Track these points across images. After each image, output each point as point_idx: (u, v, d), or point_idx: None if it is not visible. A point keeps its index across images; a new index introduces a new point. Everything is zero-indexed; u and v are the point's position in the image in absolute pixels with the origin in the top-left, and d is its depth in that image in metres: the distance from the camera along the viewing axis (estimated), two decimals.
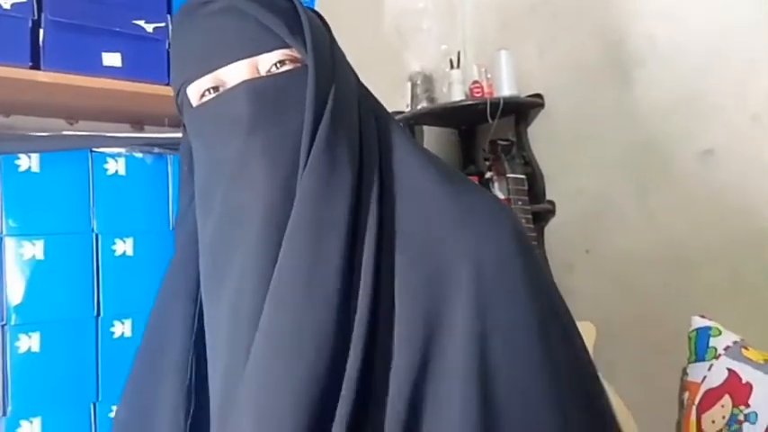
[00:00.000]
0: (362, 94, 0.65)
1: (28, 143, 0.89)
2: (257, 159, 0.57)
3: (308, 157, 0.56)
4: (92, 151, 0.92)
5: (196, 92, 0.61)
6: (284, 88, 0.58)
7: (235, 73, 0.59)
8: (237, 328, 0.55)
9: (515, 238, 0.58)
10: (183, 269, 0.66)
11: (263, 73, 0.59)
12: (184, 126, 0.67)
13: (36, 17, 0.93)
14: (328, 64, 0.60)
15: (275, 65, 0.59)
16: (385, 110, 0.67)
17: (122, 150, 0.95)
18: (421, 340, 0.53)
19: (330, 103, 0.58)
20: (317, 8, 1.23)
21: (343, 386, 0.51)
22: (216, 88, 0.60)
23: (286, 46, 0.59)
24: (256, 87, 0.58)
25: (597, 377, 0.63)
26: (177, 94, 0.64)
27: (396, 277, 0.56)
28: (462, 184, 0.62)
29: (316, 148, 0.56)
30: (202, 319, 0.63)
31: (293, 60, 0.60)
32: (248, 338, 0.54)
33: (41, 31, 0.94)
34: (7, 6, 0.90)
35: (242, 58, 0.58)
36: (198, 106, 0.62)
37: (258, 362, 0.53)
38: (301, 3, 0.63)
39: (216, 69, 0.59)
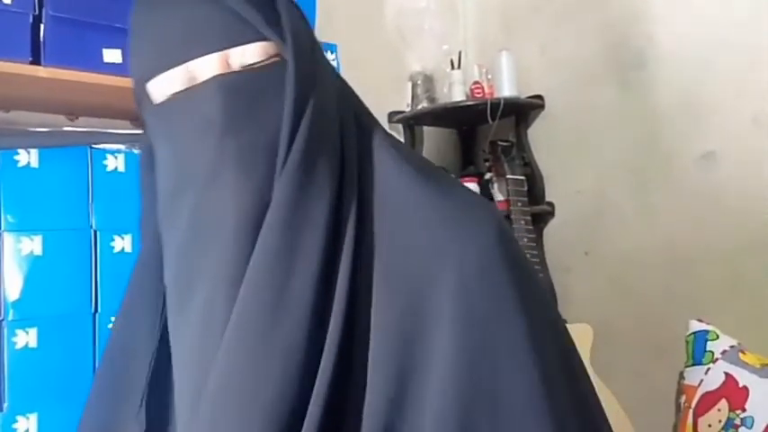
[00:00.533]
0: (340, 88, 0.60)
1: (27, 139, 0.89)
2: (232, 164, 0.52)
3: (285, 161, 0.51)
4: (91, 147, 0.92)
5: (160, 87, 0.55)
6: (260, 85, 0.53)
7: (204, 67, 0.52)
8: (207, 343, 0.51)
9: (499, 241, 0.54)
10: (148, 278, 0.61)
11: (235, 68, 0.53)
12: (144, 119, 0.61)
13: (37, 13, 0.93)
14: (309, 60, 0.55)
15: (249, 59, 0.53)
16: (361, 103, 0.62)
17: (122, 147, 0.95)
18: (396, 363, 0.50)
19: (311, 104, 0.53)
20: (318, 8, 1.24)
21: (306, 420, 0.47)
22: (183, 84, 0.54)
23: (262, 38, 0.53)
24: (230, 84, 0.52)
25: (590, 382, 0.61)
26: (136, 89, 0.58)
27: (374, 290, 0.52)
28: (446, 189, 0.57)
29: (295, 150, 0.51)
30: (166, 337, 0.58)
31: (270, 54, 0.54)
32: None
33: (42, 27, 0.94)
34: (8, 2, 0.90)
35: (213, 51, 0.52)
36: (163, 103, 0.55)
37: (216, 390, 0.49)
38: None
39: (183, 63, 0.53)
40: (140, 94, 0.58)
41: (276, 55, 0.54)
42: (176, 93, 0.54)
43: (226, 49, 0.52)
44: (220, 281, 0.52)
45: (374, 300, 0.52)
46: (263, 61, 0.54)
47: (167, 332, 0.58)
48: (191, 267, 0.54)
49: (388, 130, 1.92)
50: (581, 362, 0.60)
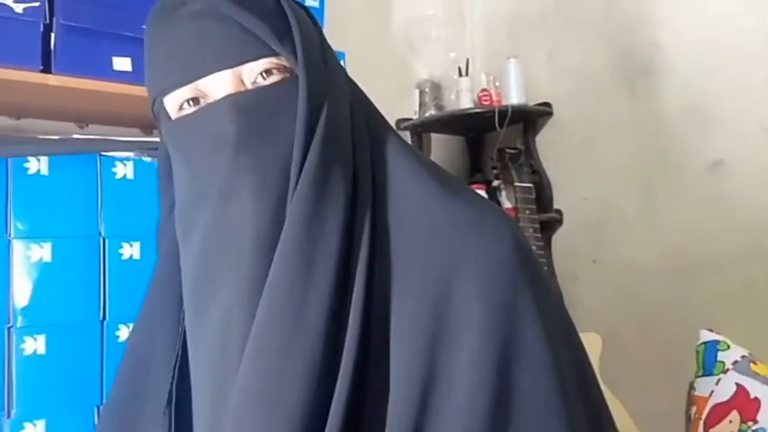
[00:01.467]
0: (355, 98, 0.60)
1: (37, 146, 0.90)
2: (246, 180, 0.53)
3: (298, 177, 0.52)
4: (100, 155, 0.93)
5: (174, 103, 0.56)
6: (273, 103, 0.53)
7: (217, 84, 0.53)
8: (225, 354, 0.52)
9: (517, 252, 0.54)
10: (166, 285, 0.62)
11: (247, 84, 0.54)
12: (161, 132, 0.62)
13: (48, 21, 0.93)
14: (320, 73, 0.55)
15: (261, 75, 0.54)
16: (373, 107, 0.62)
17: (131, 154, 0.95)
18: (421, 370, 0.50)
19: (323, 118, 0.53)
20: (326, 16, 1.24)
21: (327, 429, 0.48)
22: (196, 100, 0.55)
23: (273, 53, 0.53)
24: (242, 102, 0.53)
25: (601, 392, 0.61)
26: (153, 103, 0.59)
27: (392, 299, 0.53)
28: (460, 196, 0.57)
29: (307, 168, 0.52)
30: (186, 346, 0.59)
31: (281, 69, 0.54)
32: (237, 371, 0.51)
33: (53, 36, 0.94)
34: (19, 11, 0.90)
35: (224, 68, 0.53)
36: (178, 119, 0.56)
37: (239, 403, 0.50)
38: (289, 2, 0.57)
39: (196, 80, 0.54)
40: (157, 108, 0.59)
41: (287, 69, 0.55)
42: (191, 109, 0.55)
43: (238, 65, 0.53)
44: (238, 294, 0.52)
45: (393, 308, 0.52)
46: (273, 76, 0.54)
47: (186, 341, 0.58)
48: (208, 280, 0.55)
49: None
50: (593, 371, 0.61)
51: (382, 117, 0.62)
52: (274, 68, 0.54)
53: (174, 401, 0.58)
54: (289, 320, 0.49)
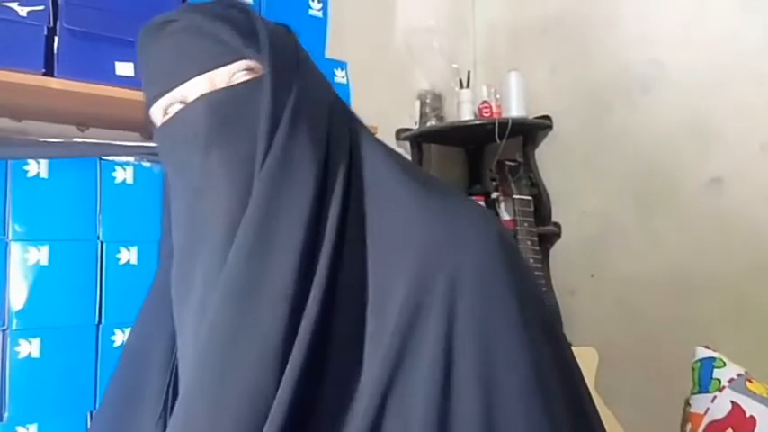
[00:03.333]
0: (335, 104, 0.63)
1: (38, 149, 0.90)
2: (217, 172, 0.56)
3: (263, 162, 0.55)
4: (100, 159, 0.93)
5: (159, 111, 0.61)
6: (241, 98, 0.57)
7: (192, 89, 0.58)
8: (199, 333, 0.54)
9: (500, 248, 0.55)
10: (164, 292, 0.64)
11: (220, 86, 0.58)
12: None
13: (51, 25, 0.94)
14: (287, 71, 0.59)
15: (233, 77, 0.59)
16: (362, 124, 0.65)
17: (131, 159, 0.95)
18: (392, 358, 0.51)
19: (289, 106, 0.57)
20: (329, 27, 1.25)
21: (275, 403, 0.48)
22: (176, 106, 0.60)
23: (243, 57, 0.59)
24: (212, 100, 0.57)
25: (590, 397, 0.60)
26: (147, 117, 0.64)
27: (367, 294, 0.54)
28: (443, 194, 0.59)
29: (271, 154, 0.55)
30: None
31: (251, 71, 0.59)
32: None
33: (56, 39, 0.95)
34: (23, 14, 0.91)
35: (198, 74, 0.58)
36: (161, 126, 0.61)
37: (195, 378, 0.51)
38: (260, 16, 0.63)
39: (175, 87, 0.59)
40: (149, 120, 0.63)
41: (258, 70, 0.59)
42: (172, 115, 0.60)
43: (210, 70, 0.58)
44: (210, 283, 0.54)
45: (369, 296, 0.54)
46: (244, 77, 0.58)
47: None
48: (186, 273, 0.58)
49: (396, 148, 1.93)
50: (577, 368, 0.60)
51: (365, 127, 0.65)
52: (245, 70, 0.59)
53: (169, 406, 0.59)
54: (243, 303, 0.51)
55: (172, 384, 0.60)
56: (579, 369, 0.60)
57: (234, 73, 0.58)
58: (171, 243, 0.63)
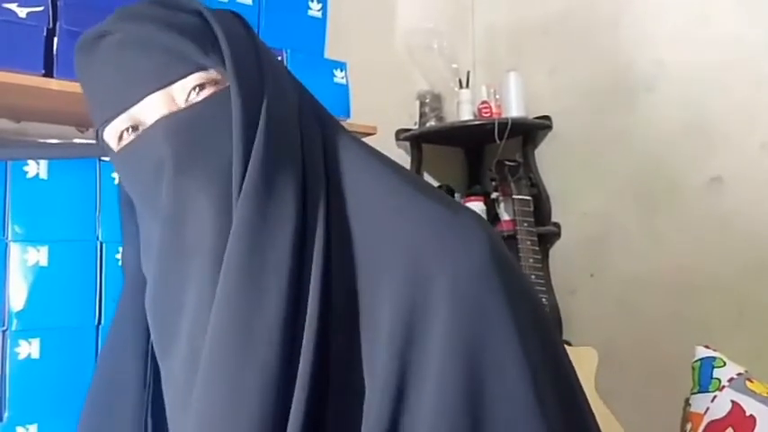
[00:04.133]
0: (304, 103, 0.58)
1: (37, 150, 0.90)
2: (189, 203, 0.51)
3: (240, 188, 0.50)
4: (100, 160, 0.93)
5: (113, 135, 0.55)
6: (207, 117, 0.52)
7: (149, 109, 0.52)
8: (193, 374, 0.51)
9: (491, 253, 0.52)
10: (134, 310, 0.60)
11: (180, 103, 0.52)
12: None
13: (51, 26, 0.94)
14: (254, 78, 0.53)
15: (193, 91, 0.52)
16: (332, 117, 0.60)
17: None
18: (394, 379, 0.49)
19: (262, 121, 0.51)
20: (328, 27, 1.25)
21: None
22: (135, 128, 0.54)
23: (201, 68, 0.53)
24: (174, 123, 0.51)
25: (585, 398, 0.59)
26: (97, 139, 0.58)
27: (359, 307, 0.51)
28: (428, 195, 0.55)
29: (249, 174, 0.50)
30: (155, 374, 0.58)
31: (213, 82, 0.53)
32: None
33: (56, 40, 0.95)
34: (23, 15, 0.91)
35: (153, 91, 0.52)
36: (119, 151, 0.56)
37: (200, 406, 0.49)
38: (213, 12, 0.55)
39: (128, 108, 0.53)
40: (101, 143, 0.58)
41: (220, 81, 0.53)
42: (129, 138, 0.54)
43: (166, 86, 0.52)
44: (198, 313, 0.51)
45: (361, 309, 0.51)
46: (206, 91, 0.53)
47: (155, 366, 0.58)
48: (167, 303, 0.54)
49: (396, 148, 1.92)
50: (573, 371, 0.59)
51: (335, 120, 0.61)
52: (206, 82, 0.53)
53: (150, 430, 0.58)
54: (238, 335, 0.48)
55: (149, 411, 0.58)
56: (575, 373, 0.58)
57: (193, 86, 0.53)
58: (133, 259, 0.60)
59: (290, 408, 0.47)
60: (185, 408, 0.52)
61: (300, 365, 0.48)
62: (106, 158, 0.94)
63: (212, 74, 0.53)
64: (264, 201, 0.50)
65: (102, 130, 0.56)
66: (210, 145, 0.52)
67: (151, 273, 0.56)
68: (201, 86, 0.53)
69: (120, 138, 0.55)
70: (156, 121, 0.52)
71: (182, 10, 0.55)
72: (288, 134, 0.54)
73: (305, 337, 0.48)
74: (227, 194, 0.51)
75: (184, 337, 0.52)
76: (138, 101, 0.52)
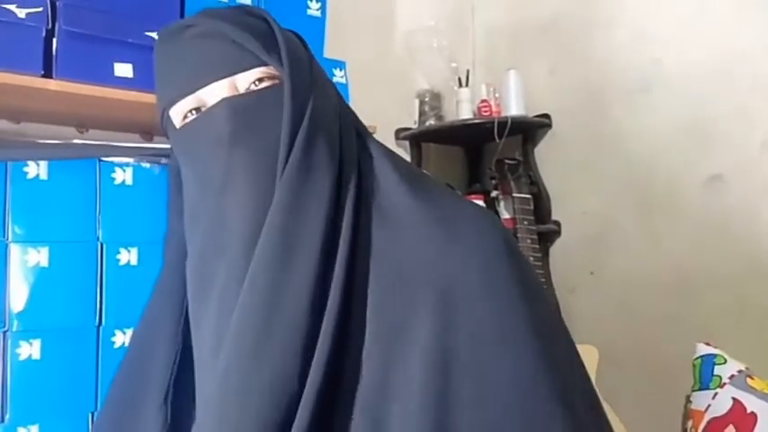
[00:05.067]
0: (343, 110, 0.66)
1: (37, 150, 0.90)
2: (240, 172, 0.58)
3: (285, 164, 0.57)
4: (100, 160, 0.93)
5: (179, 113, 0.63)
6: (263, 103, 0.60)
7: (214, 93, 0.60)
8: (220, 339, 0.55)
9: (505, 250, 0.57)
10: (170, 292, 0.66)
11: (241, 91, 0.60)
12: (171, 146, 0.69)
13: (50, 27, 0.94)
14: (305, 79, 0.62)
15: (254, 83, 0.61)
16: (365, 127, 0.68)
17: (130, 160, 0.95)
18: (384, 359, 0.53)
19: (308, 114, 0.59)
20: (327, 26, 1.25)
21: (301, 403, 0.50)
22: (198, 109, 0.61)
23: (263, 64, 0.60)
24: (235, 104, 0.59)
25: (594, 391, 0.61)
26: (162, 118, 0.66)
27: (369, 295, 0.55)
28: (445, 198, 0.62)
29: (292, 157, 0.57)
30: (187, 341, 0.63)
31: (271, 77, 0.61)
32: None
33: (55, 41, 0.95)
34: (22, 15, 0.91)
35: (220, 78, 0.60)
36: (181, 127, 0.63)
37: (224, 377, 0.53)
38: (278, 23, 0.64)
39: (196, 90, 0.60)
40: (165, 121, 0.65)
41: (277, 77, 0.61)
42: (193, 117, 0.62)
43: (232, 75, 0.60)
44: (231, 281, 0.56)
45: (370, 303, 0.55)
46: (264, 83, 0.61)
47: (188, 339, 0.62)
48: (208, 270, 0.59)
49: (395, 147, 1.93)
50: (582, 362, 0.61)
51: (368, 130, 0.68)
52: (265, 77, 0.61)
53: (170, 397, 0.61)
54: (266, 308, 0.52)
55: (173, 381, 0.62)
56: (585, 367, 0.61)
57: (255, 78, 0.60)
58: (179, 243, 0.65)
59: (309, 363, 0.51)
60: (208, 373, 0.57)
61: (318, 348, 0.51)
62: (106, 159, 0.94)
63: (271, 70, 0.61)
64: (304, 179, 0.56)
65: (169, 109, 0.63)
66: (263, 127, 0.59)
67: (197, 240, 0.61)
68: (261, 79, 0.61)
69: (185, 117, 0.62)
70: (219, 101, 0.60)
71: (252, 15, 0.64)
72: (329, 129, 0.61)
73: (325, 319, 0.52)
74: (272, 171, 0.57)
75: (214, 307, 0.57)
76: (205, 84, 0.60)
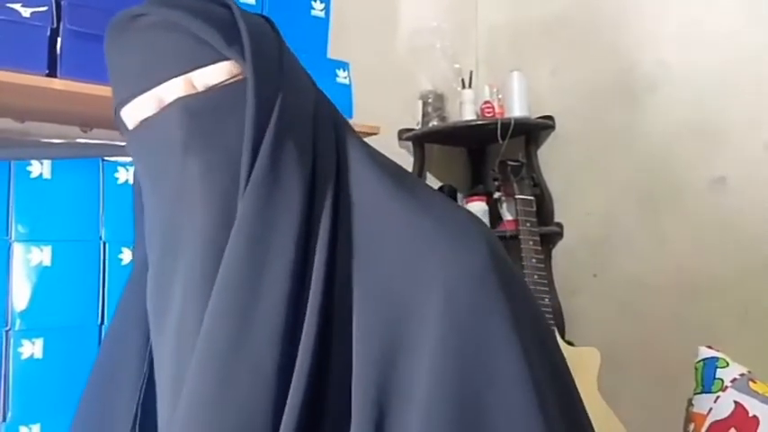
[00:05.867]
0: (321, 107, 0.59)
1: (40, 149, 0.90)
2: (196, 183, 0.52)
3: (248, 177, 0.51)
4: (103, 159, 0.93)
5: (131, 114, 0.56)
6: (222, 103, 0.53)
7: (169, 92, 0.54)
8: (180, 361, 0.51)
9: (489, 257, 0.52)
10: (136, 303, 0.61)
11: (199, 88, 0.54)
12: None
13: (54, 26, 0.94)
14: (272, 74, 0.55)
15: (212, 78, 0.54)
16: (344, 119, 0.62)
17: None
18: (376, 385, 0.48)
19: (274, 117, 0.52)
20: (331, 27, 1.25)
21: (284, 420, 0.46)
22: (151, 109, 0.55)
23: (224, 58, 0.54)
24: (190, 105, 0.53)
25: (582, 404, 0.58)
26: (115, 116, 0.59)
27: (354, 310, 0.51)
28: (430, 203, 0.56)
29: (256, 168, 0.51)
30: (152, 363, 0.59)
31: (233, 73, 0.54)
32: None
33: (59, 40, 0.95)
34: (27, 15, 0.91)
35: (176, 76, 0.53)
36: (134, 129, 0.57)
37: (185, 408, 0.48)
38: (242, 10, 0.57)
39: (149, 89, 0.54)
40: (118, 121, 0.59)
41: (240, 72, 0.54)
42: (145, 118, 0.55)
43: (188, 72, 0.53)
44: (189, 299, 0.51)
45: (354, 320, 0.51)
46: (225, 81, 0.54)
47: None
48: (164, 285, 0.54)
49: (398, 148, 1.92)
50: (574, 384, 0.58)
51: (351, 127, 0.62)
52: (226, 72, 0.54)
53: (138, 421, 0.57)
54: (235, 327, 0.48)
55: (141, 402, 0.58)
56: (574, 381, 0.58)
57: (214, 75, 0.54)
58: (144, 252, 0.60)
59: (283, 404, 0.47)
60: (168, 399, 0.52)
61: (298, 360, 0.47)
62: (110, 158, 0.94)
63: (234, 65, 0.54)
64: (271, 191, 0.51)
65: (121, 108, 0.57)
66: (222, 131, 0.53)
67: (154, 255, 0.56)
68: (221, 75, 0.54)
69: (137, 117, 0.56)
70: (173, 102, 0.53)
71: (212, 2, 0.56)
72: (300, 130, 0.55)
73: (305, 329, 0.48)
74: (234, 182, 0.52)
75: (173, 325, 0.53)
76: (159, 82, 0.54)
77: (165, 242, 0.55)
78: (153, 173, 0.57)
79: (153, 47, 0.54)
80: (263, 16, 0.61)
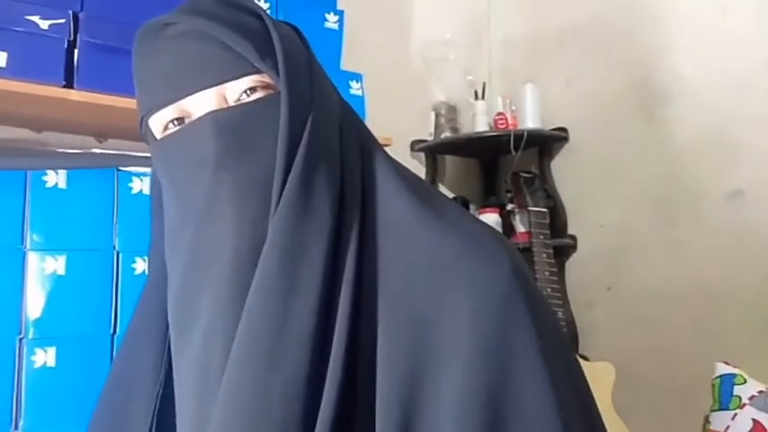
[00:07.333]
0: (346, 119, 0.58)
1: (56, 159, 0.91)
2: (226, 199, 0.52)
3: (280, 195, 0.50)
4: (118, 169, 0.94)
5: (159, 123, 0.55)
6: (254, 118, 0.53)
7: (200, 103, 0.53)
8: (206, 377, 0.51)
9: (514, 276, 0.51)
10: (153, 311, 0.60)
11: (231, 102, 0.53)
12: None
13: (72, 38, 0.95)
14: (305, 89, 0.54)
15: (245, 93, 0.53)
16: (369, 134, 0.61)
17: (148, 170, 0.96)
18: (402, 404, 0.48)
19: (307, 133, 0.52)
20: (344, 38, 1.25)
21: None
22: (180, 119, 0.54)
23: (256, 71, 0.53)
24: (223, 119, 0.52)
25: (603, 424, 0.57)
26: (141, 125, 0.58)
27: (378, 329, 0.50)
28: (456, 221, 0.55)
29: (290, 184, 0.50)
30: (169, 374, 0.58)
31: (265, 87, 0.53)
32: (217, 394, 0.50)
33: (76, 52, 0.96)
34: (45, 27, 0.92)
35: (207, 87, 0.52)
36: (161, 139, 0.56)
37: (219, 423, 0.48)
38: (273, 20, 0.56)
39: (179, 99, 0.53)
40: (145, 129, 0.58)
41: (272, 86, 0.54)
42: (174, 129, 0.55)
43: (220, 84, 0.53)
44: (218, 316, 0.51)
45: (379, 338, 0.50)
46: (257, 93, 0.53)
47: (171, 368, 0.57)
48: (190, 300, 0.54)
49: (411, 159, 1.92)
50: (595, 404, 0.57)
51: (374, 139, 0.61)
52: (258, 86, 0.53)
53: (154, 430, 0.57)
54: (267, 348, 0.48)
55: (156, 411, 0.57)
56: (595, 401, 0.57)
57: (246, 88, 0.53)
58: (161, 263, 0.59)
59: (314, 421, 0.47)
60: (190, 409, 0.52)
61: (328, 378, 0.48)
62: (124, 168, 0.95)
63: (265, 78, 0.53)
64: (302, 212, 0.50)
65: (149, 117, 0.56)
66: (254, 147, 0.52)
67: (178, 268, 0.56)
68: (253, 89, 0.53)
69: (165, 128, 0.55)
70: (205, 115, 0.52)
71: (244, 11, 0.55)
72: (329, 148, 0.54)
73: (333, 348, 0.48)
74: (265, 199, 0.51)
75: (198, 340, 0.52)
76: (190, 94, 0.53)
77: (193, 256, 0.54)
78: (179, 184, 0.56)
79: (183, 56, 0.53)
80: (291, 25, 0.59)
